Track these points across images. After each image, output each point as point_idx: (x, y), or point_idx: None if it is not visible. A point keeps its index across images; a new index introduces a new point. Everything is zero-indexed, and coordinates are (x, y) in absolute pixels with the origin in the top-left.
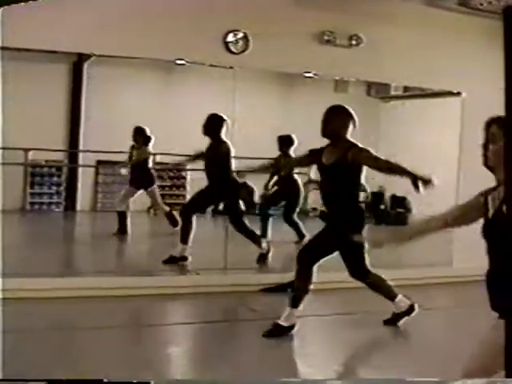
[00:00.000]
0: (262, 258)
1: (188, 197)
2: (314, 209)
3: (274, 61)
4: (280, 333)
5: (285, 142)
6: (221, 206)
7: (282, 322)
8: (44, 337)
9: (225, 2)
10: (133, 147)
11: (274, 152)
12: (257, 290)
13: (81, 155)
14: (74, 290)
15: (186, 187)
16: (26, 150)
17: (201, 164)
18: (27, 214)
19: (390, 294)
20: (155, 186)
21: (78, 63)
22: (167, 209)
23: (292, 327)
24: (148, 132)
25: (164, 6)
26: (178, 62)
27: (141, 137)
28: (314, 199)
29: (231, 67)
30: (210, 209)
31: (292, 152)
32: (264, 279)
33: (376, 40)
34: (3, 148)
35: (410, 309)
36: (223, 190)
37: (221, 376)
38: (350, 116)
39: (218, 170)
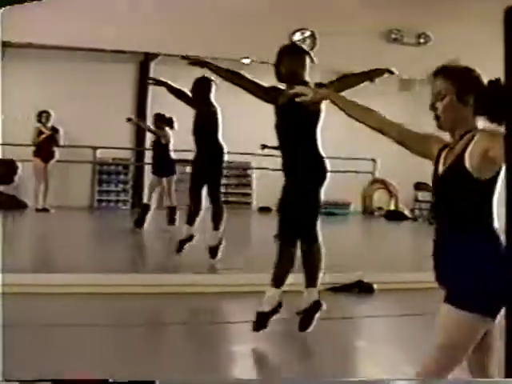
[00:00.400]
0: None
1: (254, 195)
2: (380, 208)
3: (340, 59)
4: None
5: None
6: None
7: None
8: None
9: (292, 1)
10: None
11: (341, 150)
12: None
13: (147, 153)
14: (137, 286)
15: (251, 185)
16: (94, 149)
17: (267, 163)
18: (95, 212)
19: (313, 280)
20: (175, 176)
21: (144, 62)
22: (175, 204)
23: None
24: (167, 115)
25: (231, 6)
26: (245, 60)
27: (161, 122)
28: (379, 198)
29: None
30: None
31: None
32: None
33: (445, 38)
34: (72, 146)
35: (316, 305)
36: (210, 154)
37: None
38: (306, 52)
39: (206, 134)
